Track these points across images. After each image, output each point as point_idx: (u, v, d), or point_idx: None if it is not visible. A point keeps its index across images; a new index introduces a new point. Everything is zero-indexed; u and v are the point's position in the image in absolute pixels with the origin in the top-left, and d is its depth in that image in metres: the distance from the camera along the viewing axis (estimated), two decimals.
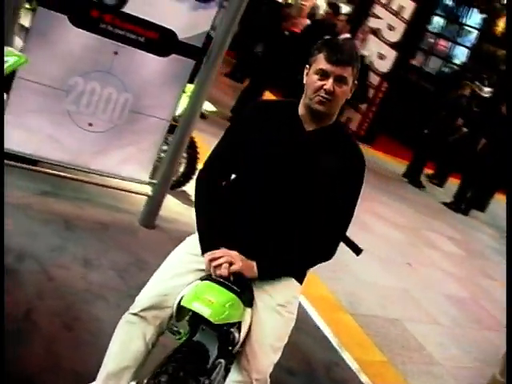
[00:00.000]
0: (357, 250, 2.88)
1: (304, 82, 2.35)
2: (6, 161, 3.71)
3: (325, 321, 4.28)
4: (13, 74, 3.54)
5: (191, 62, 3.96)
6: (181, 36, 3.84)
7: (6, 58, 2.73)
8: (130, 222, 4.26)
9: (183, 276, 2.39)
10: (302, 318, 4.15)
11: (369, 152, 10.63)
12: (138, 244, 4.01)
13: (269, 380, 2.43)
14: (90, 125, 3.87)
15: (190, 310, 2.27)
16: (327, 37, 2.73)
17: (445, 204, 9.22)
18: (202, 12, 3.84)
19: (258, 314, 2.38)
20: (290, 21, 7.79)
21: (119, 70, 3.79)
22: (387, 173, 9.87)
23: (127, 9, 3.66)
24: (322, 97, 2.25)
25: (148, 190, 4.27)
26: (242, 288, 2.33)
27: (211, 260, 2.30)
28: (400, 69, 10.57)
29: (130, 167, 4.12)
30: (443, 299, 5.79)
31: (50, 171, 4.00)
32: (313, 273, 5.00)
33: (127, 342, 2.37)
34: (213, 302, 2.18)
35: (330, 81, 2.24)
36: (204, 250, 2.35)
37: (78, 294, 3.28)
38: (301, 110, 2.36)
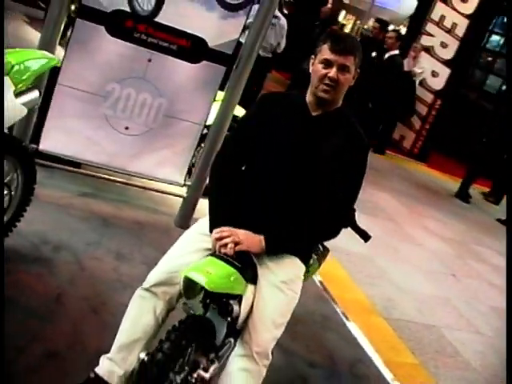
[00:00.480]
0: (365, 237, 2.97)
1: (310, 71, 2.50)
2: (49, 163, 4.01)
3: (355, 322, 4.29)
4: (54, 80, 3.84)
5: (222, 68, 4.15)
6: (211, 43, 4.04)
7: (39, 60, 3.00)
8: (166, 222, 4.46)
9: (192, 254, 2.54)
10: (331, 317, 4.24)
11: (423, 170, 10.57)
12: (172, 242, 4.12)
13: (271, 356, 2.51)
14: (127, 128, 4.11)
15: (202, 288, 2.41)
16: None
17: (500, 221, 9.02)
18: (231, 20, 4.04)
19: (260, 291, 2.49)
20: None
21: (153, 76, 4.03)
22: (441, 190, 9.78)
23: (160, 18, 3.89)
24: (326, 84, 2.42)
25: (184, 192, 4.46)
26: (245, 264, 2.45)
27: (217, 239, 2.43)
28: (454, 86, 10.49)
29: (165, 170, 4.32)
30: (487, 310, 5.67)
31: (91, 173, 4.26)
32: (349, 278, 5.07)
33: (138, 316, 2.53)
34: (211, 273, 2.31)
35: (334, 69, 2.40)
36: (212, 228, 2.49)
37: (108, 283, 3.47)
38: (308, 97, 2.53)
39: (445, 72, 10.36)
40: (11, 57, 2.83)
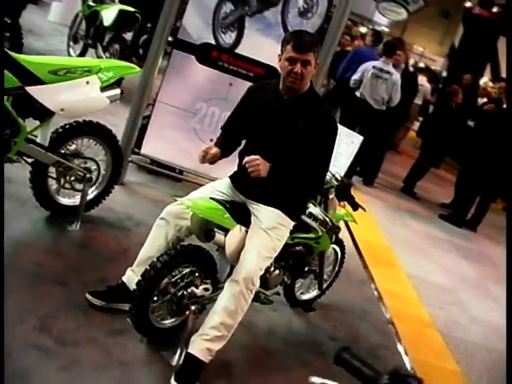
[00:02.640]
0: (355, 207, 3.46)
1: (278, 66, 3.14)
2: (155, 167, 4.99)
3: (400, 327, 4.53)
4: (154, 98, 4.88)
5: None
6: None
7: (122, 68, 3.99)
8: None
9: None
10: (372, 313, 4.57)
11: None
12: None
13: (256, 282, 3.04)
14: (211, 140, 4.97)
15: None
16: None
17: None
18: None
19: (250, 234, 3.11)
20: (458, 96, 8.38)
21: (234, 98, 4.86)
22: None
23: (239, 50, 4.82)
24: (293, 77, 3.04)
25: None
26: (234, 206, 3.12)
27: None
28: None
29: None
30: None
31: (183, 177, 5.18)
32: (418, 299, 5.28)
33: (154, 239, 3.31)
34: (199, 203, 3.02)
35: (298, 65, 3.01)
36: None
37: None
38: (280, 85, 3.17)
39: None
40: (102, 63, 3.86)
